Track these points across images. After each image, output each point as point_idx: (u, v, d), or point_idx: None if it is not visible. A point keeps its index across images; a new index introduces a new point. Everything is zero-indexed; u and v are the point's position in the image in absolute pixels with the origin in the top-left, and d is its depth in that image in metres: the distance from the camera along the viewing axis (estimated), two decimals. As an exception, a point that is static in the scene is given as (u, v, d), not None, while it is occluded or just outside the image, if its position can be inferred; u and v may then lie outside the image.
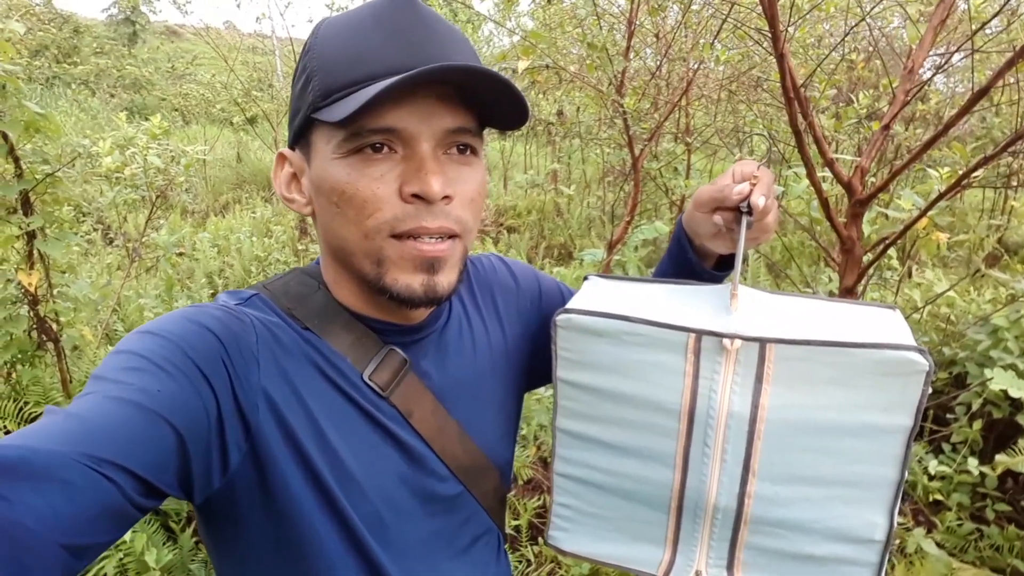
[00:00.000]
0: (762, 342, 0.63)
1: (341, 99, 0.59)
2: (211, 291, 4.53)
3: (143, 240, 4.49)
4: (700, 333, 0.65)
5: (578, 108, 5.48)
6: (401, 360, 0.70)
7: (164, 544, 2.13)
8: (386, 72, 0.58)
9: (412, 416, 0.69)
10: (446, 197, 0.61)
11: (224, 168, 8.72)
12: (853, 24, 2.37)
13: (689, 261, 0.83)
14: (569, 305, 0.72)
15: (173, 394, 0.53)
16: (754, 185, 0.71)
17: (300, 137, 0.65)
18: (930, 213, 1.48)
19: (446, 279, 0.64)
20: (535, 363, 0.85)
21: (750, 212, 0.71)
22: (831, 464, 0.64)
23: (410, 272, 0.62)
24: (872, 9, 1.97)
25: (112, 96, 13.11)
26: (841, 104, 3.82)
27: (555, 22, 3.70)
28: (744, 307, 0.69)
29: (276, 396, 0.61)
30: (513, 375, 0.82)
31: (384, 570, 0.66)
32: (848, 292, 1.58)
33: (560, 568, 2.28)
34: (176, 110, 12.56)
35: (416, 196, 0.60)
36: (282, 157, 0.69)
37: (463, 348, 0.77)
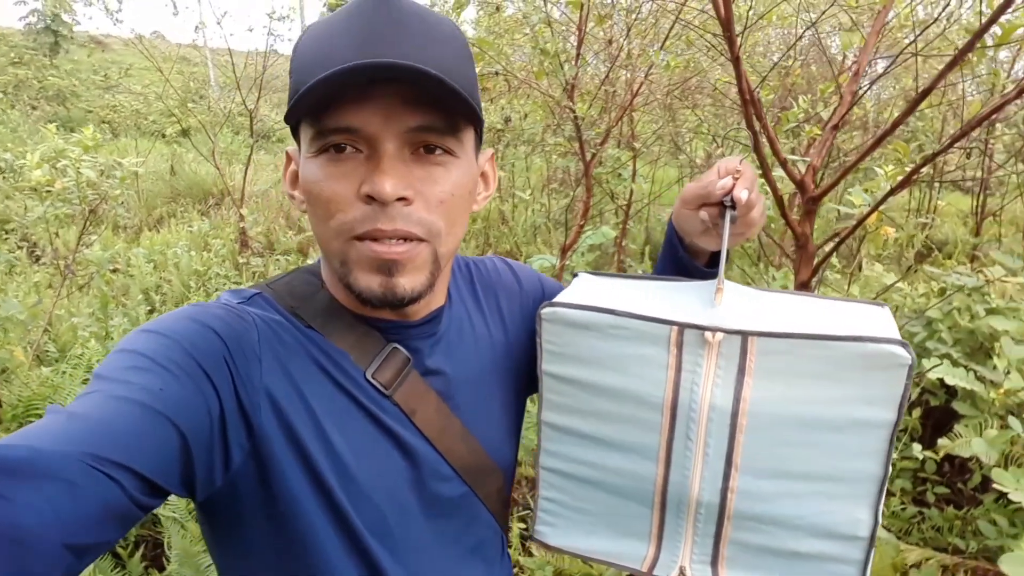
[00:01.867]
0: (744, 335, 0.64)
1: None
2: (148, 308, 4.34)
3: (75, 257, 4.29)
4: (682, 326, 0.66)
5: (524, 115, 5.51)
6: (404, 358, 0.68)
7: (112, 571, 2.03)
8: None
9: (415, 415, 0.68)
10: (403, 199, 0.58)
11: (157, 181, 8.40)
12: (800, 33, 2.46)
13: (681, 259, 0.84)
14: (555, 299, 0.72)
15: (176, 393, 0.53)
16: (737, 179, 0.72)
17: (296, 137, 0.65)
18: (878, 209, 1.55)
19: (408, 282, 0.61)
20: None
21: (734, 206, 0.72)
22: (814, 458, 0.64)
23: (368, 273, 0.61)
24: (819, 19, 2.06)
25: (34, 108, 12.50)
26: (776, 110, 3.96)
27: (502, 29, 3.71)
28: (729, 301, 0.69)
29: (278, 395, 0.60)
30: (516, 376, 0.81)
31: (385, 571, 0.65)
32: (803, 286, 1.64)
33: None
34: (105, 122, 12.06)
35: (371, 197, 0.58)
36: (288, 155, 0.69)
37: (466, 347, 0.76)
